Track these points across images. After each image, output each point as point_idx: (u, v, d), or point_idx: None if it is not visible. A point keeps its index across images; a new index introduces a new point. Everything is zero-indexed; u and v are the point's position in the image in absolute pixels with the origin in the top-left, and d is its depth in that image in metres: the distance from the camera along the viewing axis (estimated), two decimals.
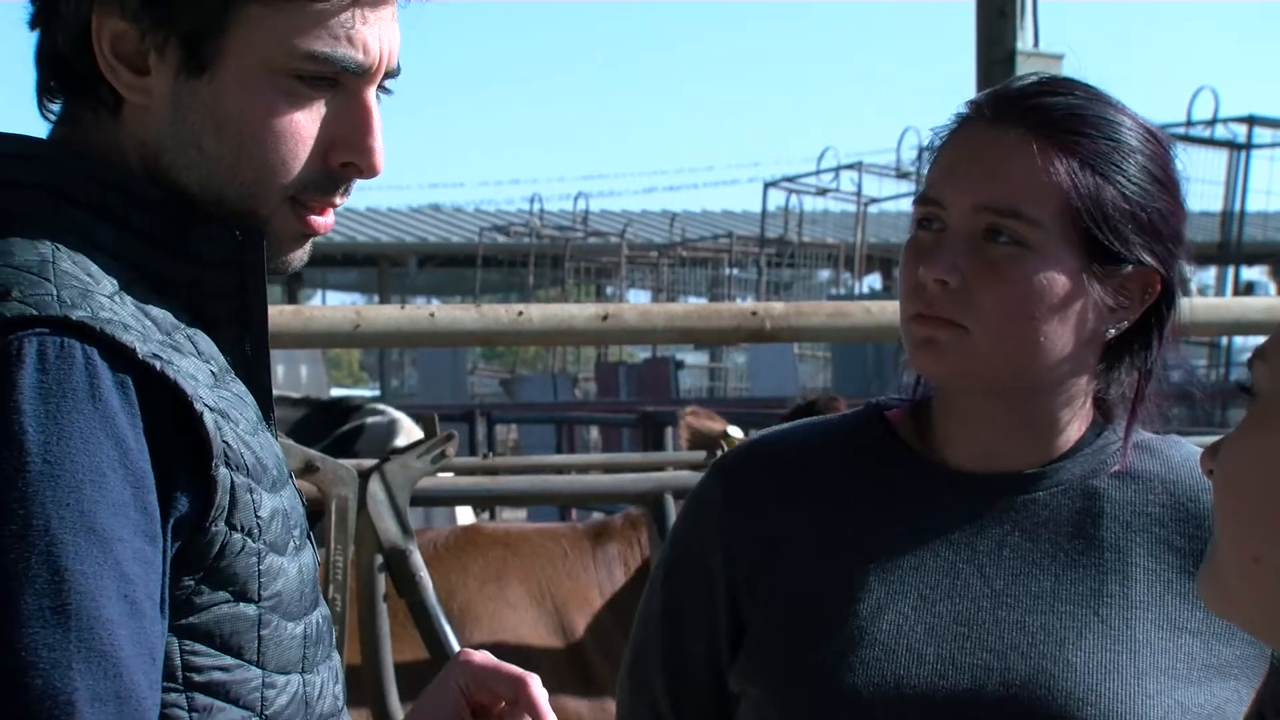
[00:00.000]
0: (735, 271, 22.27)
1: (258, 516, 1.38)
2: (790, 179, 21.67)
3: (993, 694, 1.71)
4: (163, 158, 1.45)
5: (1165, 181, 1.75)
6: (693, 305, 4.91)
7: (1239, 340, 19.82)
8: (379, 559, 3.50)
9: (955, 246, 1.71)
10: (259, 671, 1.40)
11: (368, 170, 1.49)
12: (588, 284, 23.55)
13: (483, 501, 5.55)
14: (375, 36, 1.46)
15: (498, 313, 3.63)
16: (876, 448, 1.83)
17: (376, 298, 28.13)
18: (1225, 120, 16.89)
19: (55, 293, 1.33)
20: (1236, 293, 17.23)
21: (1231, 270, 18.24)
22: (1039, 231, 1.70)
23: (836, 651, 1.75)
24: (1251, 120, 16.94)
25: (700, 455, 4.05)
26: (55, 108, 1.49)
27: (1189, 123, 16.65)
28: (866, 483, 1.82)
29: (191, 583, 1.35)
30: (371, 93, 1.48)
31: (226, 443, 1.35)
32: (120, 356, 1.31)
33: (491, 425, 10.30)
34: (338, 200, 1.50)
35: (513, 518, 8.79)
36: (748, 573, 1.82)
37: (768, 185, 21.63)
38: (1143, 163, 1.73)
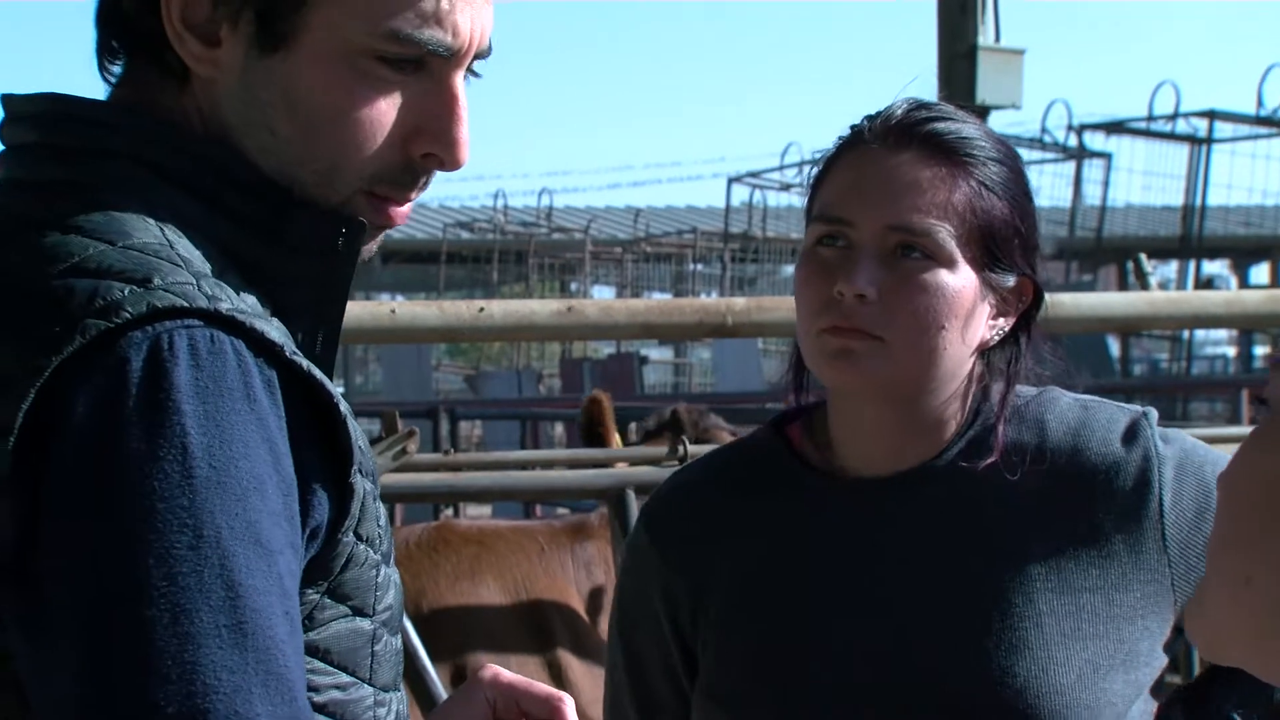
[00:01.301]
0: (699, 267, 22.28)
1: (379, 526, 1.31)
2: (754, 174, 21.68)
3: (917, 696, 1.80)
4: (231, 136, 1.35)
5: (1029, 195, 1.90)
6: (654, 300, 4.92)
7: (1200, 333, 19.94)
8: None
9: (866, 261, 1.80)
10: (371, 690, 1.33)
11: (450, 163, 1.37)
12: (552, 280, 23.54)
13: (445, 498, 5.54)
14: (467, 17, 1.35)
15: (459, 309, 3.62)
16: (780, 470, 1.93)
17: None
18: (1186, 115, 16.98)
19: (195, 281, 1.23)
20: (1197, 286, 17.32)
21: (1193, 264, 18.33)
22: (948, 246, 1.81)
23: (763, 682, 1.85)
24: (1212, 115, 17.02)
25: (662, 451, 4.04)
26: (115, 69, 1.38)
27: (1150, 117, 16.74)
28: (773, 506, 1.92)
29: (316, 596, 1.27)
30: (459, 78, 1.37)
31: (360, 448, 1.28)
32: (268, 353, 1.23)
33: (455, 421, 10.26)
34: (413, 195, 1.39)
35: (477, 514, 8.78)
36: (689, 613, 1.93)
37: (732, 181, 21.64)
38: (1015, 179, 1.87)
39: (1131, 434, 1.86)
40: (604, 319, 3.81)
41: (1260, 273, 27.00)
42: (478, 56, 1.39)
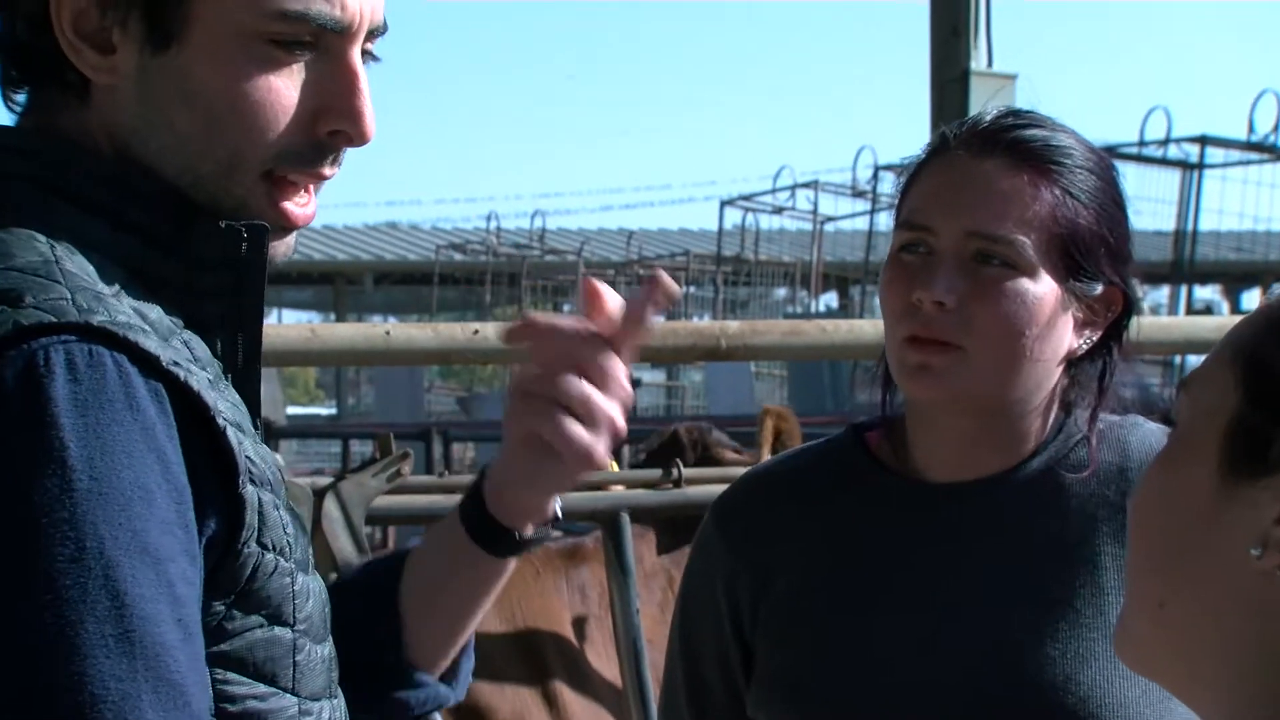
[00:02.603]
0: (692, 289, 22.29)
1: (287, 534, 1.31)
2: (747, 197, 21.69)
3: (979, 697, 1.80)
4: (133, 141, 1.35)
5: (1120, 204, 1.87)
6: None
7: (1192, 358, 19.93)
8: (333, 577, 3.49)
9: (947, 269, 1.80)
10: (294, 699, 1.32)
11: (357, 137, 1.38)
12: (545, 302, 23.55)
13: (438, 519, 5.53)
14: None
15: (453, 331, 3.63)
16: (855, 471, 1.93)
17: (333, 315, 28.05)
18: (1178, 140, 16.98)
19: (69, 296, 1.23)
20: (1190, 312, 17.33)
21: (1184, 289, 18.35)
22: (1027, 255, 1.80)
23: (826, 677, 1.85)
24: (1204, 140, 17.03)
25: (656, 473, 4.05)
26: (20, 98, 1.39)
27: (1142, 142, 16.74)
28: (848, 507, 1.92)
29: (222, 608, 1.27)
30: (355, 53, 1.38)
31: (249, 458, 1.28)
32: (147, 364, 1.23)
33: (448, 443, 10.27)
34: (326, 172, 1.39)
35: None
36: (750, 605, 1.93)
37: (724, 203, 21.65)
38: (1105, 188, 1.85)
39: None
40: None
41: (1252, 298, 27.04)
42: (373, 34, 1.39)
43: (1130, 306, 1.88)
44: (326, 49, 1.36)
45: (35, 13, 1.34)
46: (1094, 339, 1.87)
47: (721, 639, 1.95)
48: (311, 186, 1.41)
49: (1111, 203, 1.86)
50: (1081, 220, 1.82)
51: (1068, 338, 1.84)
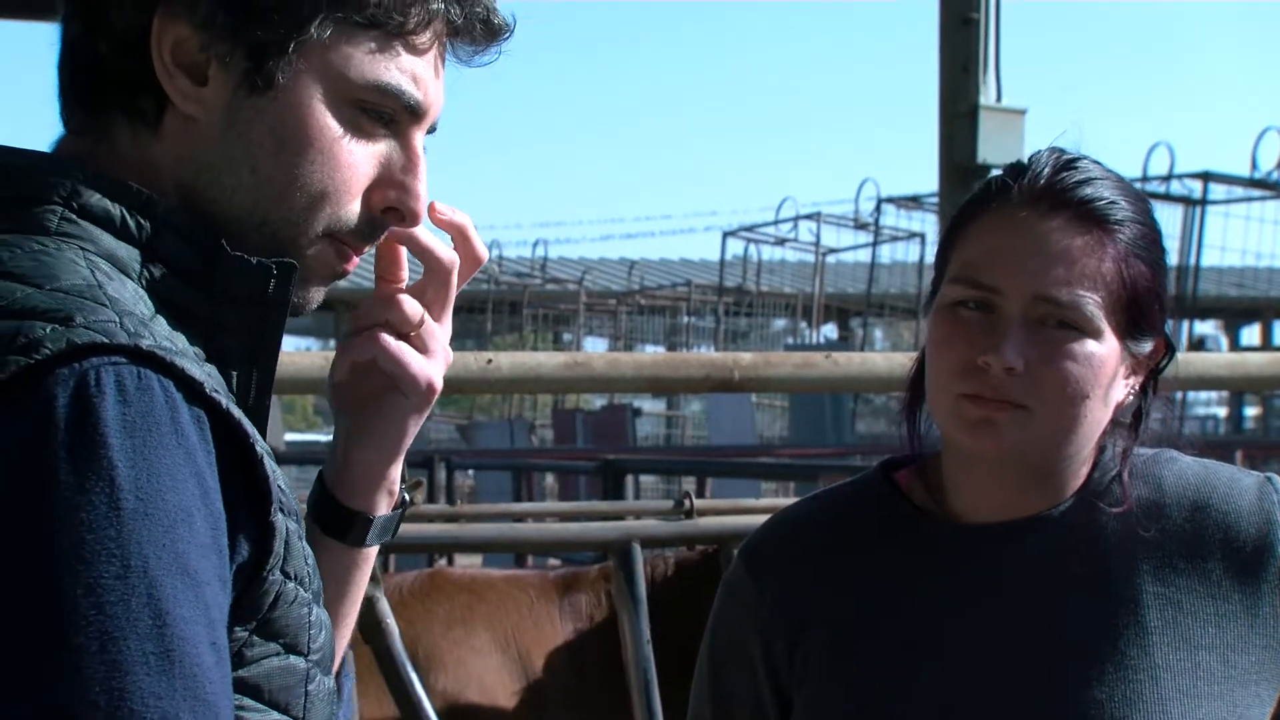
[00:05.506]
0: (693, 319, 22.32)
1: (308, 565, 1.34)
2: (749, 228, 21.74)
3: None
4: (205, 175, 1.39)
5: (1164, 250, 1.88)
6: (661, 355, 4.95)
7: (1191, 393, 19.94)
8: None
9: (1014, 332, 1.78)
10: None
11: (409, 215, 1.45)
12: (545, 331, 23.55)
13: (448, 548, 5.54)
14: (435, 85, 1.44)
15: (467, 360, 3.64)
16: (890, 514, 1.91)
17: (333, 343, 28.02)
18: (1180, 176, 17.04)
19: (117, 319, 1.25)
20: (1190, 347, 17.35)
21: (1186, 324, 18.37)
22: (1095, 319, 1.79)
23: None
24: (1206, 176, 17.08)
25: (668, 504, 4.05)
26: (78, 116, 1.41)
27: (1145, 178, 16.79)
28: (885, 551, 1.90)
29: (244, 634, 1.29)
30: (421, 138, 1.45)
31: (280, 487, 1.31)
32: (191, 390, 1.25)
33: (451, 471, 10.24)
34: (366, 248, 1.46)
35: (467, 563, 8.76)
36: (786, 655, 1.90)
37: (726, 234, 21.70)
38: (1155, 238, 1.86)
39: (1254, 497, 1.85)
40: (610, 372, 3.83)
41: (1251, 333, 27.07)
42: (430, 128, 1.47)
43: (1171, 352, 1.89)
44: (399, 129, 1.43)
45: (129, 34, 1.37)
46: (1136, 387, 1.87)
47: (756, 687, 1.93)
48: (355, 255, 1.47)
49: (1160, 252, 1.86)
50: (1142, 281, 1.82)
51: (1120, 390, 1.85)
